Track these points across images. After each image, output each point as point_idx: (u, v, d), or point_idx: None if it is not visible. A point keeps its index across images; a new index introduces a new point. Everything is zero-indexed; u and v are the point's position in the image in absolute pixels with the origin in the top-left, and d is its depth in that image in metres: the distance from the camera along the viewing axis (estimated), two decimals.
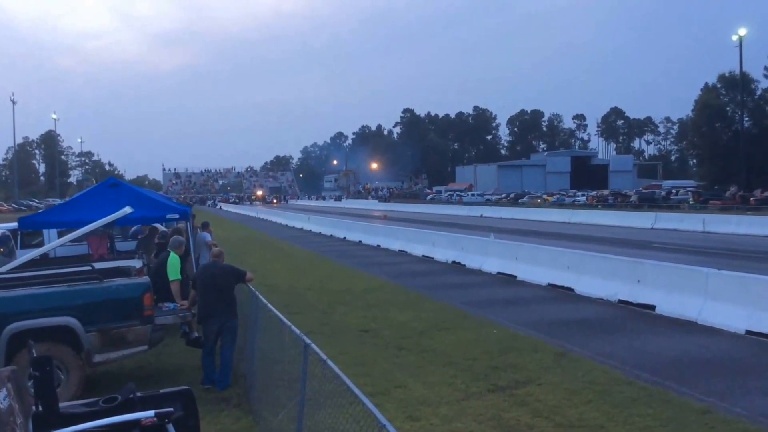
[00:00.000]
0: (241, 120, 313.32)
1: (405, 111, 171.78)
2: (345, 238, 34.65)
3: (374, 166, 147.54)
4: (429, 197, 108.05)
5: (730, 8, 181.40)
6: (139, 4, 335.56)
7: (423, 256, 24.06)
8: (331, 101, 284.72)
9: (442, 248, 23.34)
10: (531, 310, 13.57)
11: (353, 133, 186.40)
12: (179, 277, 9.74)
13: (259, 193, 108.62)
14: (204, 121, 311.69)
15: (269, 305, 7.58)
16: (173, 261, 9.80)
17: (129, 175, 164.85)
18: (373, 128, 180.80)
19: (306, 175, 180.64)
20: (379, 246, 28.98)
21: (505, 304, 14.38)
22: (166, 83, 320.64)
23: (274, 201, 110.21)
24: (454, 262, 21.66)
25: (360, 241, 31.95)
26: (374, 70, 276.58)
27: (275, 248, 30.72)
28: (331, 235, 37.09)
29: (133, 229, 16.05)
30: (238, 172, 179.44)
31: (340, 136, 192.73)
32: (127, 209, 10.09)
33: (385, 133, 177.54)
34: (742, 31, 68.22)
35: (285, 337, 6.36)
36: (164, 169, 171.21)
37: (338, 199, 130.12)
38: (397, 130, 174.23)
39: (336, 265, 22.88)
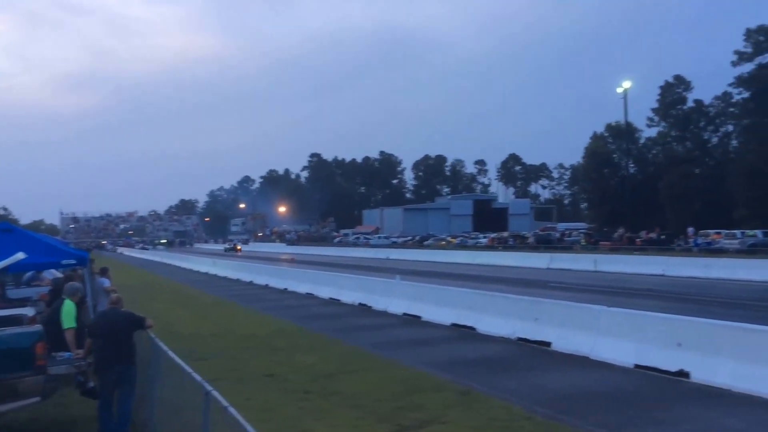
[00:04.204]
0: (145, 164, 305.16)
1: (312, 155, 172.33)
2: (252, 282, 34.17)
3: (282, 209, 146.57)
4: (336, 240, 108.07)
5: (616, 62, 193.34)
6: (40, 46, 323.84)
7: (330, 298, 24.06)
8: (238, 145, 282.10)
9: (348, 291, 23.43)
10: (435, 350, 13.81)
11: (260, 177, 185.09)
12: (75, 325, 9.37)
13: (239, 247, 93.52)
14: (107, 165, 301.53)
15: (169, 352, 7.45)
16: (68, 308, 9.44)
17: (25, 219, 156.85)
18: (281, 172, 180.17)
19: (213, 218, 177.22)
20: (286, 289, 28.75)
21: (411, 344, 14.57)
22: (67, 127, 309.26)
23: (238, 247, 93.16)
24: (360, 304, 21.77)
25: (267, 285, 31.59)
26: (281, 115, 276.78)
27: (179, 293, 29.92)
28: (238, 279, 36.48)
29: (27, 275, 15.34)
30: (141, 216, 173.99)
31: (247, 179, 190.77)
32: (20, 255, 9.70)
33: (293, 177, 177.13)
34: (627, 84, 72.81)
35: (186, 384, 6.27)
36: (62, 214, 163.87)
37: (245, 242, 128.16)
38: (305, 174, 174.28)
39: (242, 309, 22.53)
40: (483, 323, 15.59)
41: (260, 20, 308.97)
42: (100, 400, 8.57)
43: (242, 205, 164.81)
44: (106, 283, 14.53)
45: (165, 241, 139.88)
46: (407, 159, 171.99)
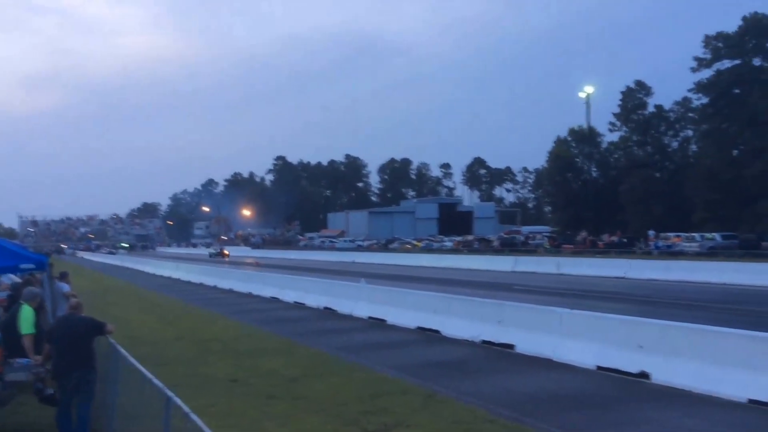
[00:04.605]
0: (106, 166, 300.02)
1: (277, 158, 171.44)
2: (215, 286, 33.83)
3: (246, 212, 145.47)
4: (302, 244, 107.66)
5: (579, 67, 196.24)
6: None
7: (295, 302, 23.93)
8: (202, 148, 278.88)
9: (313, 294, 23.34)
10: (401, 354, 13.82)
11: (225, 180, 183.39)
12: (33, 330, 9.16)
13: (226, 252, 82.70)
14: (67, 168, 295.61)
15: (130, 357, 7.32)
16: (26, 314, 9.22)
17: None
18: (245, 175, 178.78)
19: (176, 222, 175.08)
20: (250, 293, 28.52)
21: (376, 348, 14.56)
22: (26, 128, 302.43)
23: (225, 252, 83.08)
24: (326, 308, 21.69)
25: (231, 289, 31.29)
26: (246, 118, 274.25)
27: (141, 298, 29.49)
28: (201, 283, 36.09)
29: None
30: (102, 220, 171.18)
31: (211, 182, 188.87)
32: None
33: (258, 180, 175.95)
34: (589, 89, 73.98)
35: (146, 390, 6.17)
36: (20, 217, 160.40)
37: (209, 246, 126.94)
38: (270, 177, 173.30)
39: (205, 313, 22.29)
40: (448, 326, 15.65)
41: (226, 21, 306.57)
42: (58, 407, 8.39)
43: (206, 209, 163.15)
44: (65, 287, 14.25)
45: (127, 245, 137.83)
46: (373, 162, 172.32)
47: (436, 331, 15.87)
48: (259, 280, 29.90)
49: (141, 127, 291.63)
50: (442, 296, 17.46)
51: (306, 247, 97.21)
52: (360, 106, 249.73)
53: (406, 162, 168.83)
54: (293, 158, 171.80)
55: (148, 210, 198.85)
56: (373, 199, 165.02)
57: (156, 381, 5.89)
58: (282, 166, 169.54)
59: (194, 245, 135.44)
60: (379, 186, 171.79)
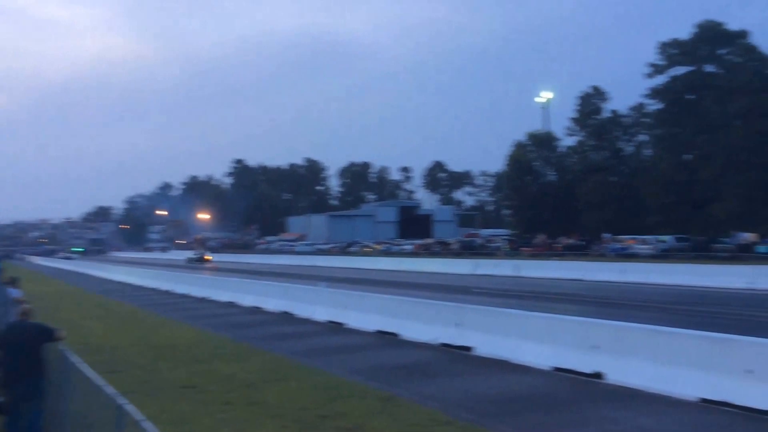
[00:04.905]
0: (59, 169, 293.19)
1: (236, 161, 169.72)
2: (171, 291, 33.30)
3: (203, 216, 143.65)
4: (262, 247, 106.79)
5: (539, 72, 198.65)
6: None
7: (253, 307, 23.70)
8: (158, 151, 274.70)
9: (272, 298, 23.15)
10: (359, 357, 13.78)
11: (182, 183, 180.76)
12: None
13: (208, 256, 75.67)
14: (18, 171, 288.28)
15: (81, 364, 7.14)
16: None
17: None
18: (203, 178, 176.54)
19: (131, 226, 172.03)
20: (206, 298, 28.14)
21: (334, 352, 14.49)
22: None
23: (207, 257, 75.90)
24: (284, 312, 21.52)
25: (187, 294, 30.84)
26: (204, 121, 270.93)
27: (94, 303, 28.86)
28: (156, 289, 35.48)
29: None
30: (55, 224, 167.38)
31: (167, 186, 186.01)
32: None
33: (216, 183, 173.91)
34: (546, 94, 74.99)
35: (98, 398, 6.02)
36: None
37: (164, 250, 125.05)
38: (229, 180, 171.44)
39: (160, 319, 21.91)
40: (407, 329, 15.67)
41: (183, 23, 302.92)
42: (7, 416, 8.15)
43: (162, 212, 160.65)
44: (15, 293, 13.87)
45: (81, 249, 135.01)
46: (333, 166, 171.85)
47: (395, 335, 15.88)
48: (215, 285, 29.55)
49: (95, 129, 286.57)
50: (400, 299, 17.49)
51: (265, 251, 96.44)
52: (320, 108, 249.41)
53: (366, 165, 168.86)
54: (252, 161, 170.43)
55: (102, 214, 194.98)
56: (334, 202, 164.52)
57: (108, 388, 5.75)
58: (241, 169, 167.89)
59: (150, 249, 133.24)
60: (339, 189, 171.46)
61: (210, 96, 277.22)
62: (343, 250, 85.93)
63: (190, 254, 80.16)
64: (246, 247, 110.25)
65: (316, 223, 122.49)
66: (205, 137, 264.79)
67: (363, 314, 17.66)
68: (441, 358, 13.40)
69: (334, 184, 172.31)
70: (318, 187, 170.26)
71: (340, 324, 18.20)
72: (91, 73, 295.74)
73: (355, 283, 30.98)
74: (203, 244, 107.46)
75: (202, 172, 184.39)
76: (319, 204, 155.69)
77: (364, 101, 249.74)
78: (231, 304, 25.28)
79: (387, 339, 15.83)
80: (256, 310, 23.02)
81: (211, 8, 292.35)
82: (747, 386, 8.78)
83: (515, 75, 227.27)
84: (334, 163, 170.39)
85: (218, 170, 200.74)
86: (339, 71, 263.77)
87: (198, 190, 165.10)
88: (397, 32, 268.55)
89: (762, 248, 43.22)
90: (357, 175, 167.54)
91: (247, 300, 24.70)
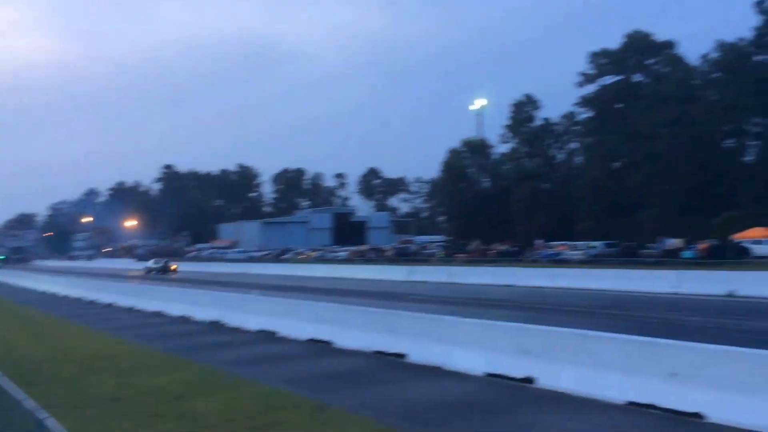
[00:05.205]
0: None
1: (165, 167, 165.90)
2: (95, 300, 32.19)
3: (131, 223, 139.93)
4: (192, 254, 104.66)
5: (474, 79, 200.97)
6: None
7: (181, 316, 23.09)
8: (84, 156, 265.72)
9: (201, 307, 22.61)
10: (292, 366, 13.58)
11: (109, 190, 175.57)
12: None
13: (174, 266, 64.67)
14: None
15: None
16: None
17: None
18: (131, 184, 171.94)
19: (55, 233, 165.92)
20: (133, 308, 27.30)
21: (266, 361, 14.24)
22: None
23: (173, 266, 64.19)
24: (214, 321, 21.04)
25: (112, 304, 29.84)
26: (131, 125, 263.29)
27: (13, 314, 27.68)
28: (80, 298, 34.25)
29: None
30: None
31: (93, 192, 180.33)
32: None
33: (145, 189, 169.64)
34: (480, 101, 76.22)
35: (18, 412, 5.71)
36: None
37: (90, 258, 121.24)
38: (158, 186, 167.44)
39: (85, 329, 21.15)
40: (340, 337, 15.54)
41: (111, 24, 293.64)
42: None
43: (87, 219, 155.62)
44: None
45: (1, 257, 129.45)
46: (266, 172, 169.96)
47: (329, 343, 15.72)
48: (142, 294, 28.72)
49: (17, 133, 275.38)
50: (334, 307, 17.37)
51: (194, 259, 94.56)
52: (253, 114, 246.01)
53: (300, 171, 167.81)
54: (182, 167, 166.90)
55: (24, 221, 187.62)
56: (267, 209, 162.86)
57: (28, 402, 5.45)
58: (170, 175, 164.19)
59: (74, 258, 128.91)
60: (272, 196, 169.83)
61: (138, 100, 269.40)
62: (277, 258, 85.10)
63: (149, 264, 67.21)
64: (175, 255, 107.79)
65: (249, 230, 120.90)
66: (134, 142, 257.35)
67: (296, 322, 17.43)
68: (375, 365, 13.33)
69: (267, 191, 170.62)
70: (251, 194, 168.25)
71: (272, 333, 17.91)
72: (12, 74, 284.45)
73: (289, 291, 30.64)
74: (130, 252, 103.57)
75: (129, 178, 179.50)
76: (252, 210, 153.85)
77: (298, 106, 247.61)
78: (158, 314, 24.58)
79: (320, 347, 15.66)
80: (184, 320, 22.44)
81: (141, 10, 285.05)
82: (672, 389, 9.00)
83: (451, 82, 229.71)
84: (267, 169, 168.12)
85: (147, 176, 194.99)
86: (273, 76, 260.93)
87: (125, 196, 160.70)
88: (332, 37, 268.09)
89: (687, 254, 44.79)
90: (291, 182, 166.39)
91: (175, 309, 24.07)
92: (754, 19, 58.76)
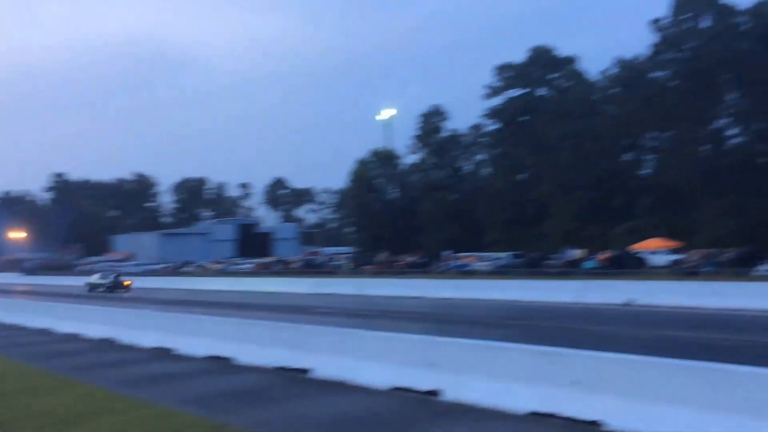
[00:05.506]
0: None
1: (56, 175, 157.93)
2: None
3: (18, 235, 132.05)
4: (85, 268, 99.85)
5: (385, 89, 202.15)
6: None
7: (70, 333, 21.68)
8: None
9: (92, 324, 21.31)
10: (190, 385, 12.91)
11: None
12: None
13: (127, 281, 51.82)
14: None
15: None
16: None
17: None
18: (18, 193, 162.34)
19: None
20: (17, 325, 25.49)
21: (162, 380, 13.49)
22: None
23: (126, 282, 51.40)
24: (106, 338, 19.85)
25: None
26: (19, 132, 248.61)
27: None
28: None
29: None
30: None
31: None
32: None
33: (33, 199, 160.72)
34: (388, 111, 76.71)
35: None
36: None
37: None
38: (48, 196, 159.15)
39: None
40: (241, 353, 14.92)
41: None
42: None
43: None
44: None
45: None
46: (166, 181, 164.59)
47: (229, 359, 15.08)
48: (27, 310, 26.92)
49: None
50: (235, 321, 16.70)
51: (87, 273, 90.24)
52: (150, 120, 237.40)
53: (202, 181, 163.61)
54: (75, 175, 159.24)
55: None
56: (167, 219, 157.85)
57: None
58: (61, 184, 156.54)
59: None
60: (173, 206, 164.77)
61: (27, 104, 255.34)
62: (176, 271, 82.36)
63: (92, 279, 53.43)
64: (65, 269, 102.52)
65: (146, 242, 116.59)
66: (22, 150, 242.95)
67: (195, 338, 16.65)
68: (277, 382, 12.85)
69: (167, 201, 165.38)
70: (148, 204, 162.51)
71: (168, 350, 17.06)
72: None
73: (188, 306, 29.52)
74: (17, 266, 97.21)
75: (16, 187, 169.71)
76: (150, 221, 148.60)
77: (201, 114, 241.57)
78: (45, 332, 23.01)
79: (220, 364, 14.99)
80: (73, 338, 21.09)
81: (30, 11, 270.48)
82: (573, 397, 9.03)
83: (361, 92, 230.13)
84: (167, 178, 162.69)
85: (36, 185, 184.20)
86: (172, 82, 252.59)
87: (12, 206, 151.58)
88: (238, 44, 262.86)
89: (588, 264, 46.34)
90: (192, 192, 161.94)
91: (64, 326, 22.60)
92: (650, 38, 62.01)
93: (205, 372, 14.27)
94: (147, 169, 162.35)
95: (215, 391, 12.23)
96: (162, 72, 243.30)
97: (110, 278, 51.88)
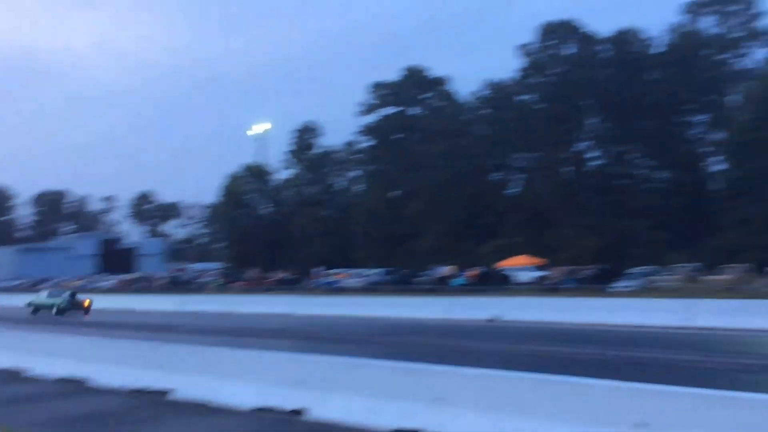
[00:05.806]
0: None
1: None
2: None
3: None
4: None
5: (257, 104, 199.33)
6: None
7: None
8: None
9: None
10: (38, 408, 11.99)
11: None
12: None
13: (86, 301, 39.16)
14: None
15: None
16: None
17: None
18: None
19: None
20: None
21: (8, 404, 12.48)
22: None
23: (86, 302, 38.71)
24: None
25: None
26: None
27: None
28: None
29: None
30: None
31: None
32: None
33: None
34: (262, 126, 75.67)
35: None
36: None
37: None
38: None
39: None
40: (96, 374, 14.01)
41: None
42: None
43: None
44: None
45: None
46: (25, 193, 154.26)
47: (83, 381, 14.14)
48: None
49: None
50: (90, 340, 15.74)
51: None
52: (6, 130, 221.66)
53: (61, 194, 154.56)
54: None
55: None
56: (25, 233, 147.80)
57: None
58: None
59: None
60: (32, 219, 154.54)
61: None
62: (32, 288, 76.95)
63: (38, 299, 41.28)
64: None
65: (1, 257, 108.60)
66: None
67: (46, 359, 15.49)
68: (134, 404, 12.15)
69: (25, 214, 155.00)
70: (4, 217, 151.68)
71: (16, 372, 15.79)
72: None
73: (40, 324, 27.61)
74: None
75: None
76: (6, 236, 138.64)
77: (62, 125, 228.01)
78: None
79: (74, 386, 14.00)
80: None
81: None
82: (438, 413, 9.11)
83: (234, 106, 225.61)
84: (25, 190, 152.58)
85: None
86: (30, 92, 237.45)
87: None
88: (107, 54, 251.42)
89: (458, 281, 47.43)
90: (52, 204, 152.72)
91: None
92: (518, 62, 65.09)
93: (57, 395, 13.28)
94: (3, 180, 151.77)
95: (65, 415, 11.40)
96: (21, 81, 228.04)
97: (63, 297, 39.63)
